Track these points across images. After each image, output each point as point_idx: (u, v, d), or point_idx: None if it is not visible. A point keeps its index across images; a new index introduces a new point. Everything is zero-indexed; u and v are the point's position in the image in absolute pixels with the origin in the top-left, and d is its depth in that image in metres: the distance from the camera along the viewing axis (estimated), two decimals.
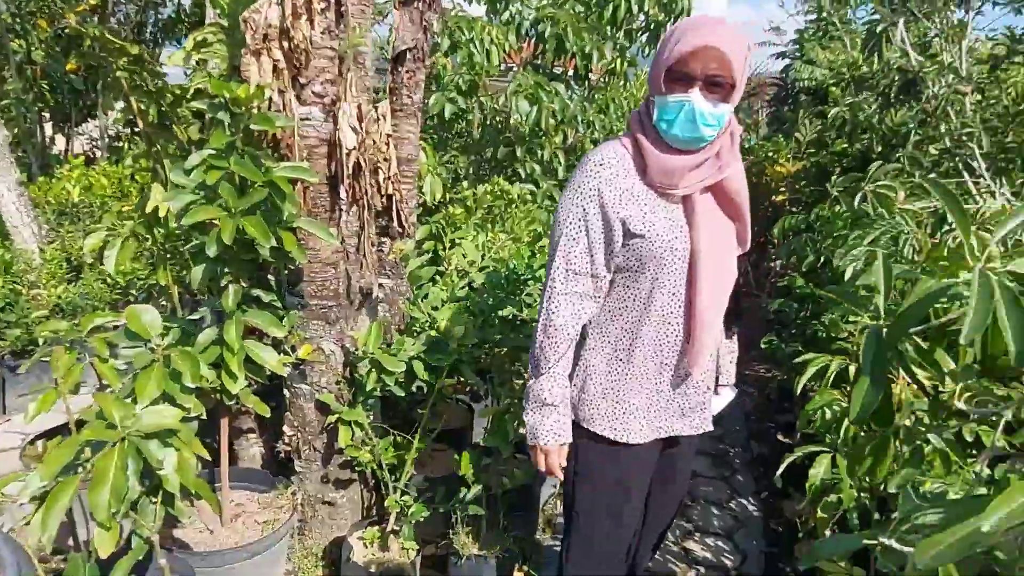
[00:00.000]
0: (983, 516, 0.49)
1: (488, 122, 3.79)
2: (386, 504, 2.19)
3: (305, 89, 1.93)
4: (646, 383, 1.60)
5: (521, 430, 2.32)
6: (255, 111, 1.74)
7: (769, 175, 5.25)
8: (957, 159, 2.40)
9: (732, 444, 3.72)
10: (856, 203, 1.96)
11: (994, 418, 0.65)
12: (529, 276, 2.58)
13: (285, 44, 1.83)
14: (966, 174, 2.37)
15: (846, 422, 1.66)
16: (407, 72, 2.62)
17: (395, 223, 2.52)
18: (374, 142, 2.10)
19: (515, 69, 4.20)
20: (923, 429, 0.82)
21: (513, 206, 3.27)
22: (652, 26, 5.31)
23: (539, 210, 3.75)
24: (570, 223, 1.52)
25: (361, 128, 1.99)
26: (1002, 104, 3.29)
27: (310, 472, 2.33)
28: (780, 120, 7.35)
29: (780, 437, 3.18)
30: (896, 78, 2.69)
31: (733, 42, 1.40)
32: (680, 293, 1.55)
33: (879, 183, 2.04)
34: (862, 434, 0.93)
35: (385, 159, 2.48)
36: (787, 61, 7.65)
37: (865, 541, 0.78)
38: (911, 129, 3.12)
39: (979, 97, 3.23)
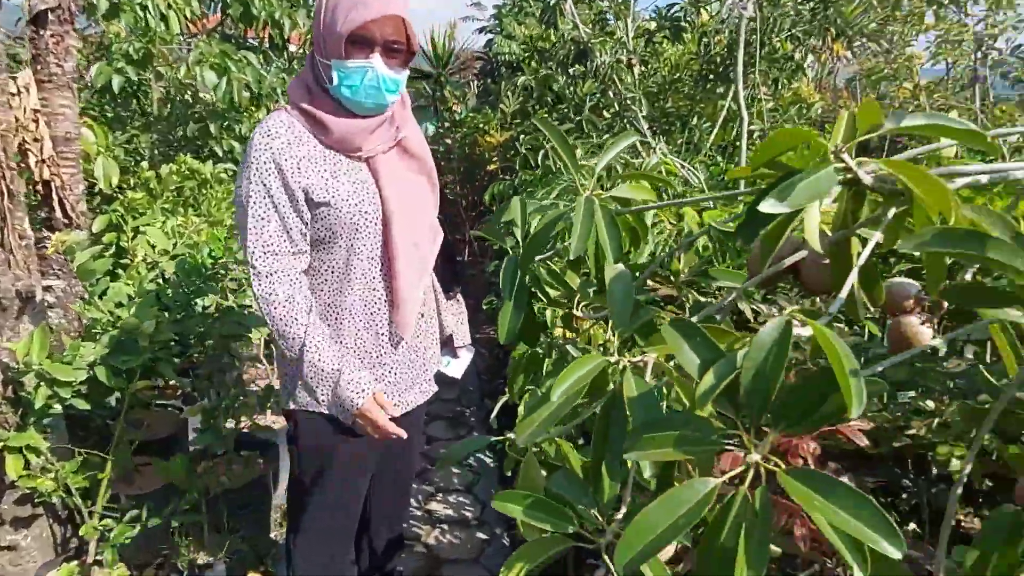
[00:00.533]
0: (554, 387, 0.55)
1: (175, 97, 3.42)
2: (81, 533, 1.91)
3: None
4: (366, 357, 1.57)
5: (230, 424, 2.18)
6: None
7: (481, 145, 5.50)
8: (626, 121, 2.72)
9: (467, 404, 3.89)
10: (540, 161, 2.12)
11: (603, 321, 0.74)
12: (232, 259, 2.39)
13: None
14: (634, 133, 2.70)
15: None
16: (52, 37, 2.25)
17: (58, 213, 2.17)
18: (16, 120, 1.77)
19: (200, 38, 3.82)
20: (562, 342, 0.92)
21: (208, 187, 3.00)
22: None
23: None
24: (255, 203, 1.42)
25: None
26: (660, 74, 3.81)
27: None
28: (487, 93, 7.74)
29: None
30: (571, 49, 2.96)
31: (407, 9, 1.42)
32: (378, 257, 1.54)
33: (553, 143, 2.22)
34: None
35: (35, 139, 2.11)
36: (490, 36, 8.07)
37: (492, 439, 0.92)
38: (593, 96, 3.48)
39: (642, 68, 3.70)
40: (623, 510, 0.56)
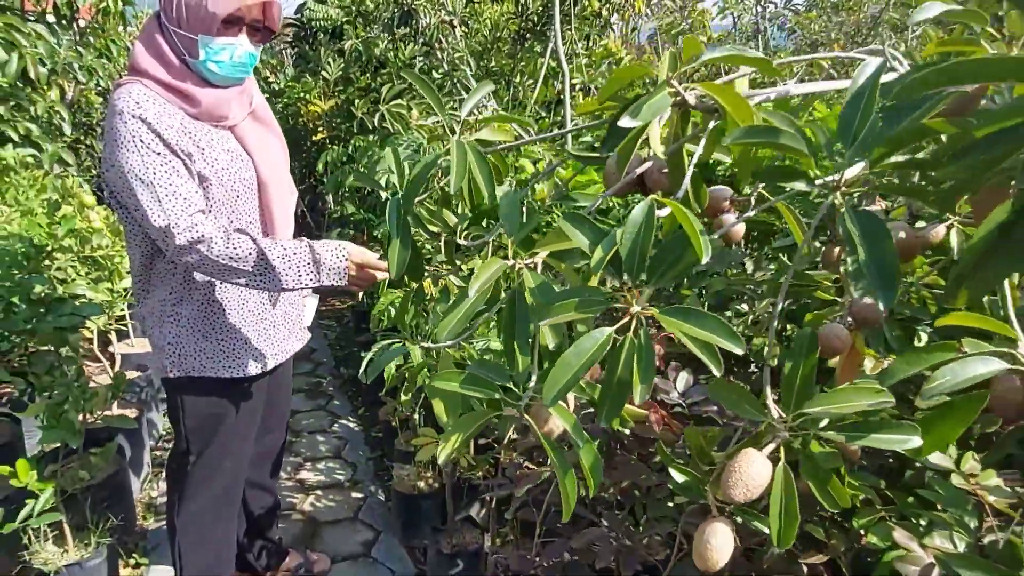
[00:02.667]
0: (470, 286, 0.66)
1: None
2: None
3: None
4: (250, 316, 1.61)
5: (90, 418, 2.06)
6: None
7: (304, 115, 5.33)
8: (455, 80, 2.81)
9: (323, 375, 3.88)
10: (377, 123, 2.16)
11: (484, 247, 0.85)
12: (56, 246, 2.21)
13: None
14: (464, 92, 2.80)
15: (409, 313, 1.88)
16: None
17: None
18: None
19: None
20: (445, 272, 1.02)
21: (13, 174, 2.71)
22: None
23: (51, 177, 3.19)
24: (157, 171, 1.36)
25: None
26: (482, 34, 3.92)
27: None
28: (305, 60, 7.45)
29: (363, 354, 3.43)
30: (395, 11, 2.99)
31: None
32: (257, 221, 1.57)
33: (393, 103, 2.27)
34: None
35: None
36: (300, 1, 7.73)
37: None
38: (410, 56, 3.52)
39: (465, 28, 3.79)
40: (534, 380, 0.67)
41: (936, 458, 0.89)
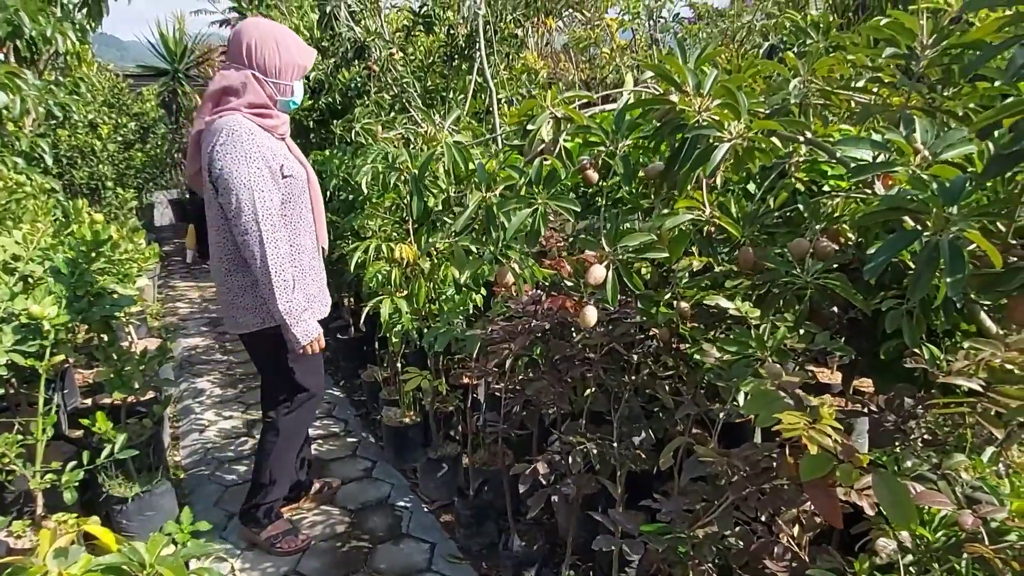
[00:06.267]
0: (468, 201, 1.35)
1: None
2: (31, 487, 2.28)
3: None
4: (313, 275, 2.31)
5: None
6: None
7: None
8: (405, 100, 3.48)
9: None
10: (353, 137, 2.82)
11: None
12: (95, 253, 2.77)
13: None
14: (412, 110, 3.48)
15: (393, 274, 2.55)
16: None
17: None
18: None
19: None
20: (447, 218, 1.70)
21: (33, 200, 3.23)
22: (90, 2, 5.22)
23: (51, 202, 3.68)
24: (256, 179, 2.04)
25: None
26: (417, 59, 4.59)
27: None
28: None
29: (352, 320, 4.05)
30: (349, 46, 3.63)
31: None
32: (309, 207, 2.29)
33: (363, 123, 2.94)
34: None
35: None
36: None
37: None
38: (361, 84, 4.16)
39: (403, 55, 4.45)
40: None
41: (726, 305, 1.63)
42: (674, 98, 1.13)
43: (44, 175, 4.09)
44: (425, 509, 2.81)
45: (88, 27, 4.57)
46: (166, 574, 1.27)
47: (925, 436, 1.46)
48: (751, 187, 1.76)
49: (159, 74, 9.75)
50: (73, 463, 2.39)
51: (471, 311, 2.64)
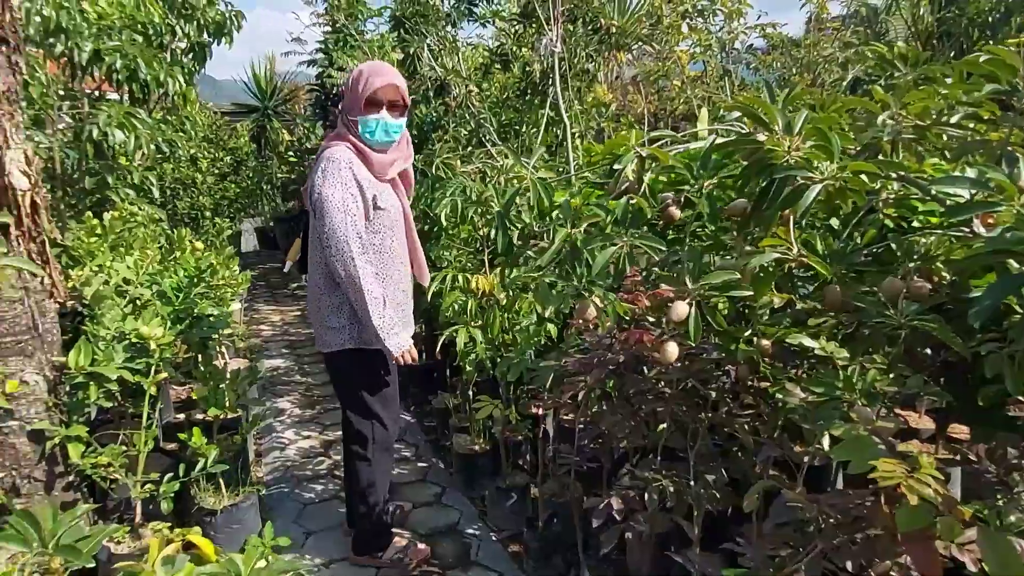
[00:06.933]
0: (556, 236, 1.39)
1: (84, 155, 3.79)
2: (132, 496, 2.42)
3: None
4: (396, 307, 2.37)
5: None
6: None
7: None
8: (481, 134, 3.59)
9: None
10: (434, 171, 2.93)
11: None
12: (198, 279, 2.95)
13: None
14: (487, 143, 3.58)
15: (469, 305, 2.61)
16: (5, 114, 2.69)
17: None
18: (38, 182, 2.27)
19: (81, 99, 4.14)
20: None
21: (143, 228, 3.47)
22: (196, 47, 5.62)
23: (155, 229, 3.95)
24: (347, 203, 2.16)
25: (31, 171, 2.16)
26: (492, 95, 4.73)
27: (34, 504, 2.38)
28: (325, 117, 8.28)
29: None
30: (430, 84, 3.79)
31: (398, 78, 2.30)
32: (404, 242, 2.40)
33: (443, 157, 3.05)
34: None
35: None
36: (320, 68, 8.62)
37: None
38: (437, 119, 4.31)
39: (479, 91, 4.59)
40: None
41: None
42: (761, 137, 1.14)
43: (152, 206, 4.40)
44: (493, 538, 2.82)
45: (193, 70, 4.92)
46: None
47: None
48: (834, 222, 1.74)
49: (250, 111, 10.34)
50: (170, 475, 2.53)
51: (543, 343, 2.67)
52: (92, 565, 1.61)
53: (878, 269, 1.48)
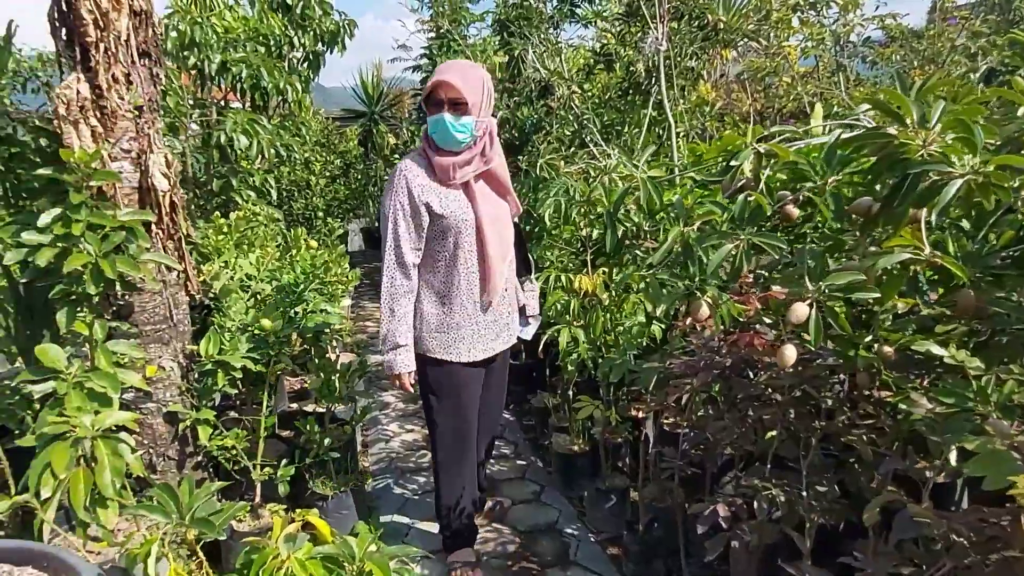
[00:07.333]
0: (670, 234, 1.37)
1: (211, 160, 4.09)
2: (253, 477, 2.58)
3: (115, 147, 2.24)
4: (466, 318, 2.31)
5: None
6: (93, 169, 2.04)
7: None
8: (584, 135, 3.59)
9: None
10: (538, 171, 2.95)
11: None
12: (312, 275, 3.11)
13: (98, 112, 2.14)
14: (590, 144, 3.57)
15: (572, 304, 2.62)
16: (147, 121, 2.93)
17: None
18: (176, 184, 2.46)
19: (210, 107, 4.47)
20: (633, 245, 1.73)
21: (264, 227, 3.70)
22: (311, 56, 5.91)
23: (275, 227, 4.20)
24: (394, 212, 2.18)
25: (171, 172, 2.35)
26: (595, 95, 4.71)
27: (168, 480, 2.59)
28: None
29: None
30: (534, 86, 3.83)
31: (461, 74, 2.14)
32: (474, 251, 2.27)
33: (547, 158, 3.07)
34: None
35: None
36: (423, 73, 8.89)
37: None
38: (538, 120, 4.33)
39: (580, 91, 4.59)
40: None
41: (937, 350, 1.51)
42: (892, 131, 1.09)
43: (270, 206, 4.67)
44: (592, 539, 2.82)
45: (308, 78, 5.20)
46: (373, 568, 1.39)
47: None
48: (965, 224, 1.63)
49: (358, 116, 10.78)
50: (286, 460, 2.69)
51: (646, 344, 2.63)
52: (222, 538, 1.73)
53: (1017, 273, 1.37)
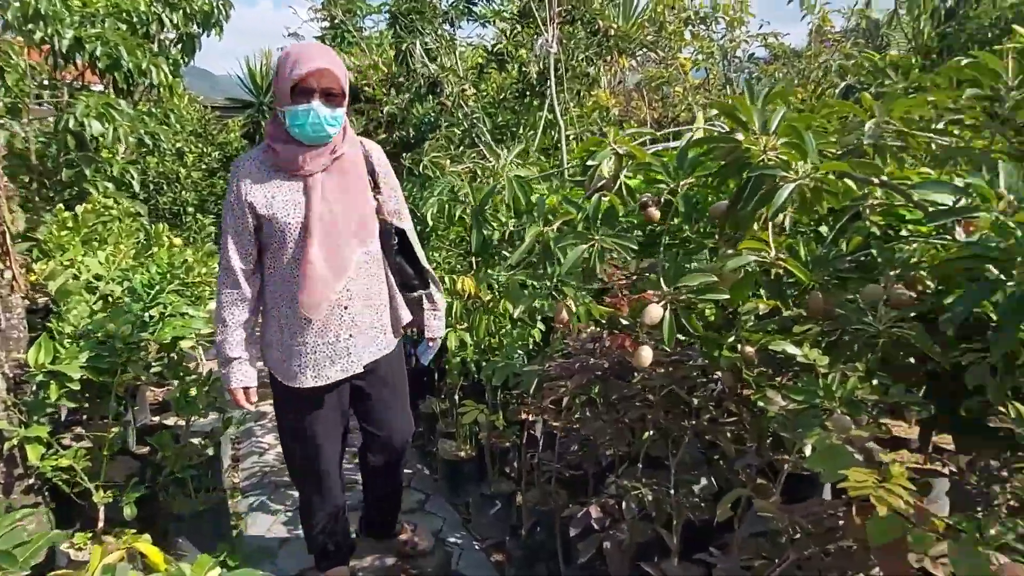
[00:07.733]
0: (526, 235, 1.34)
1: (63, 146, 3.73)
2: (95, 500, 2.34)
3: None
4: (292, 336, 2.03)
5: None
6: None
7: None
8: (474, 135, 3.54)
9: None
10: (421, 170, 2.87)
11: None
12: (170, 275, 2.89)
13: None
14: (480, 145, 3.53)
15: (455, 307, 2.56)
16: None
17: None
18: None
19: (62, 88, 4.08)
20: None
21: (119, 222, 3.41)
22: (184, 38, 5.53)
23: (135, 223, 3.88)
24: (224, 214, 2.02)
25: None
26: (489, 95, 4.68)
27: None
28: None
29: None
30: (423, 82, 3.74)
31: (331, 60, 1.91)
32: (299, 259, 1.95)
33: (431, 156, 3.00)
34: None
35: None
36: None
37: None
38: (434, 118, 4.25)
39: (475, 91, 4.54)
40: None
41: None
42: (739, 136, 1.09)
43: (131, 199, 4.32)
44: (477, 546, 2.76)
45: (181, 61, 4.86)
46: None
47: (1011, 502, 1.34)
48: (823, 230, 1.69)
49: (245, 106, 10.24)
50: (135, 479, 2.46)
51: (531, 346, 2.61)
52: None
53: (861, 276, 1.43)
